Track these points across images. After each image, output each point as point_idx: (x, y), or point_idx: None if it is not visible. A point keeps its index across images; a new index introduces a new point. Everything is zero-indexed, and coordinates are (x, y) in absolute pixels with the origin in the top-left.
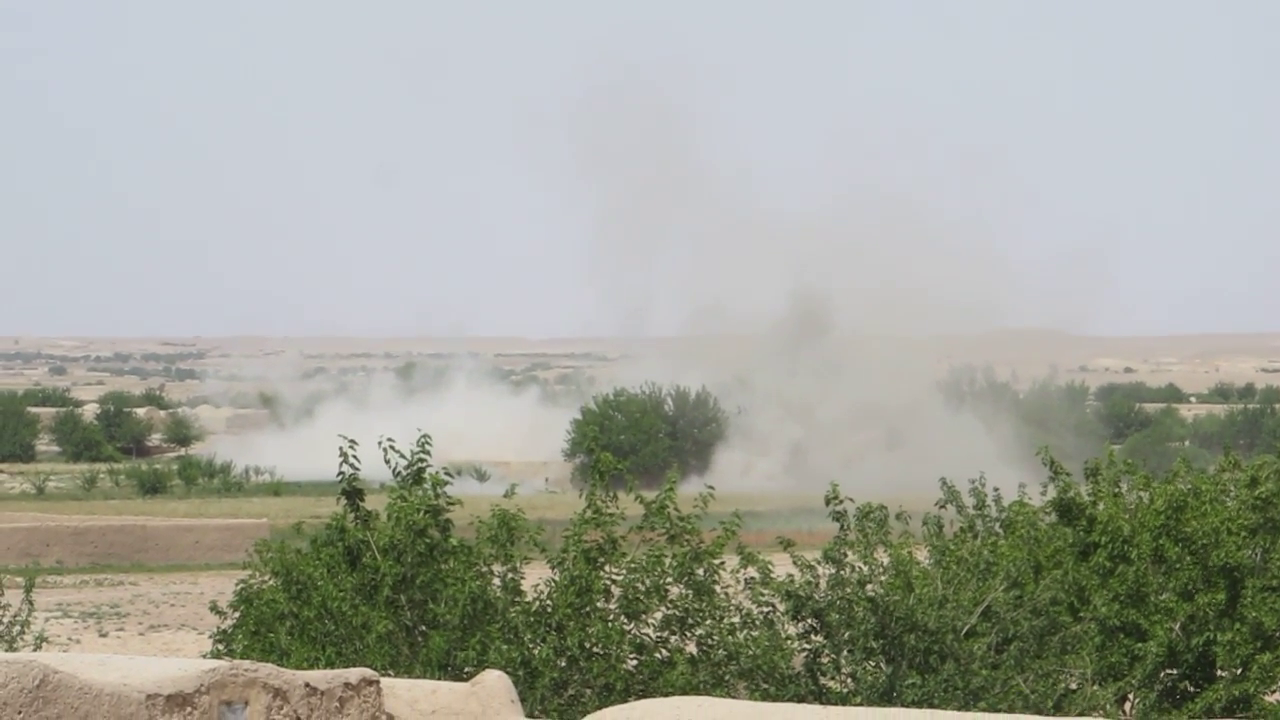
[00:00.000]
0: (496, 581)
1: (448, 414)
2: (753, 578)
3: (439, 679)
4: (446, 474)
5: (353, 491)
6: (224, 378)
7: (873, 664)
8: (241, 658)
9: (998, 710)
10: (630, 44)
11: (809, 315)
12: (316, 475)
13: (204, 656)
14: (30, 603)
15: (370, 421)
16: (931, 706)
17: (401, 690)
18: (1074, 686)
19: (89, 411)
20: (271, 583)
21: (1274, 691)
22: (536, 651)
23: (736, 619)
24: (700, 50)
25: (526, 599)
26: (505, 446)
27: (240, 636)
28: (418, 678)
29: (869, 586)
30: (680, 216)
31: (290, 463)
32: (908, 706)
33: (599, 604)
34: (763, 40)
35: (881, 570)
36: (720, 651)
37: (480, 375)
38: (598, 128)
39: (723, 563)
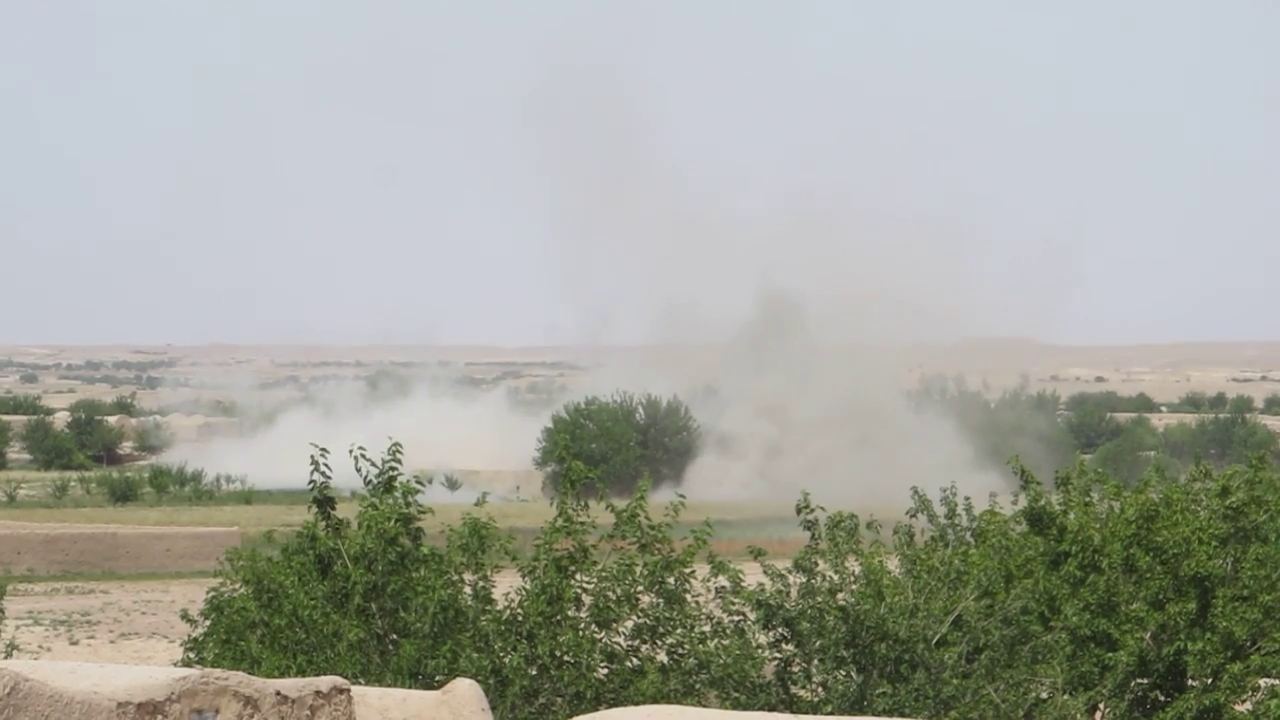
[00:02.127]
0: (467, 590)
1: (417, 422)
2: (723, 586)
3: (410, 687)
4: (417, 482)
5: (324, 500)
6: (195, 386)
7: (843, 673)
8: (212, 666)
9: (969, 719)
10: (589, 49)
11: (777, 318)
12: (285, 483)
13: (175, 664)
14: (1, 610)
15: (339, 429)
16: (902, 715)
17: (372, 698)
18: (1045, 695)
19: (60, 419)
20: (243, 591)
21: (1244, 701)
22: (507, 660)
23: (707, 628)
24: (659, 53)
25: (497, 607)
26: (475, 454)
27: (211, 645)
28: (389, 686)
29: (840, 595)
30: (644, 221)
31: (259, 470)
32: (878, 715)
33: (570, 612)
34: (726, 40)
35: (852, 579)
36: (691, 660)
37: (450, 383)
38: (561, 133)
39: (694, 571)
